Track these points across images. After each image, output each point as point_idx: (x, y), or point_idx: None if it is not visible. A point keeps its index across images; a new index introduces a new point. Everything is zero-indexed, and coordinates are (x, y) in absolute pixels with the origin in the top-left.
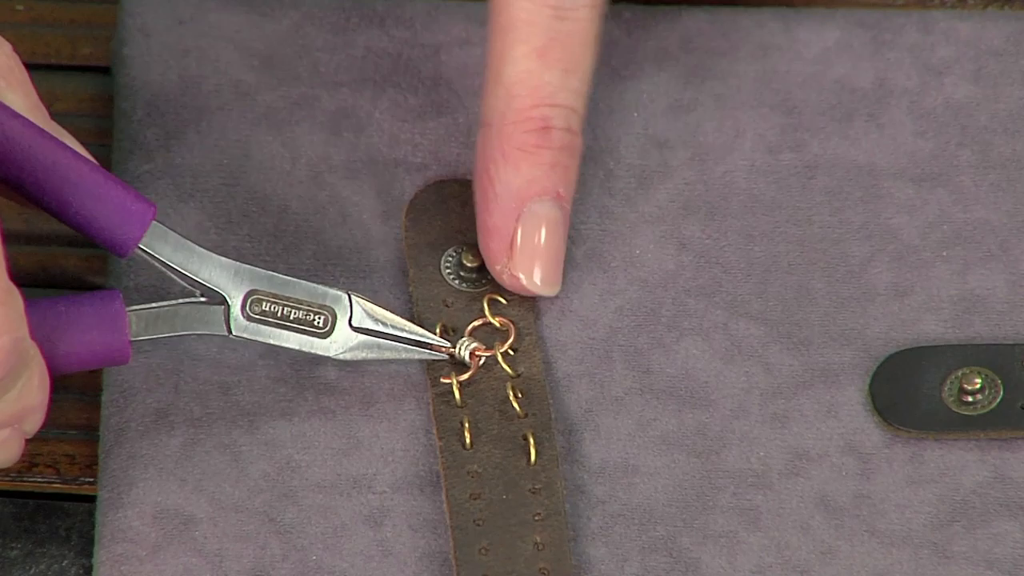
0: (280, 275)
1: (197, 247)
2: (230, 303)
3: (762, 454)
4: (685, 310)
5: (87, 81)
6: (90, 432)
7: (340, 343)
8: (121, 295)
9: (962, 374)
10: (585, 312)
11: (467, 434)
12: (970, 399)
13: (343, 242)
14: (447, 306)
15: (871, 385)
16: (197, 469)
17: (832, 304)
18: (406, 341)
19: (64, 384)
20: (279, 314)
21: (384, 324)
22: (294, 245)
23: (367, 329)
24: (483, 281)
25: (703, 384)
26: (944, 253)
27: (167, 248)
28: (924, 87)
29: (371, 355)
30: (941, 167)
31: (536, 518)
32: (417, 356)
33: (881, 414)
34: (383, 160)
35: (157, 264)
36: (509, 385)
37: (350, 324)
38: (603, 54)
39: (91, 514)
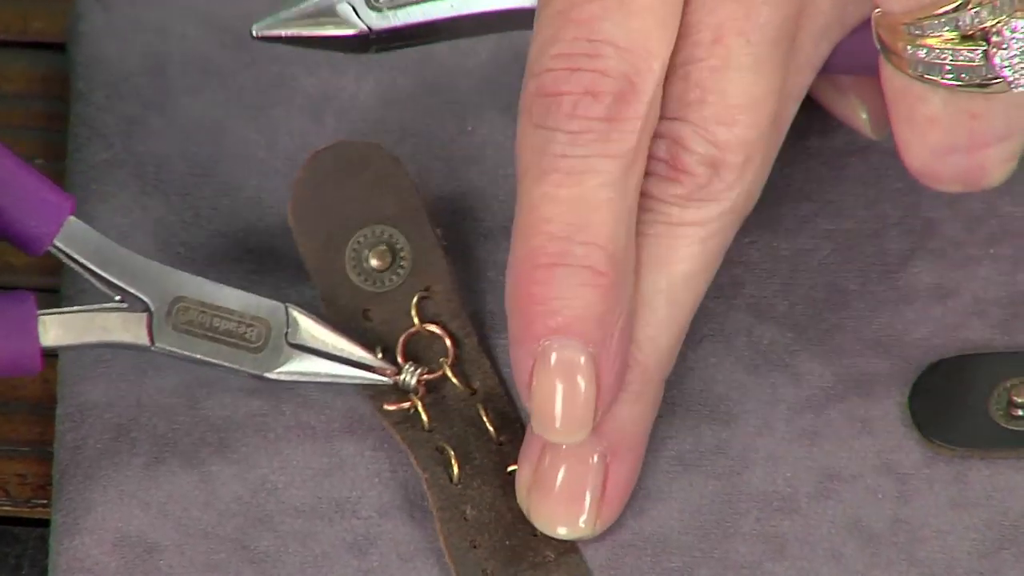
0: (211, 282)
1: (120, 248)
2: (153, 311)
3: (789, 475)
4: (703, 313)
5: (39, 59)
6: (43, 449)
7: (274, 360)
8: (34, 297)
9: (1012, 385)
10: None
11: (454, 464)
12: (1020, 413)
13: None
14: (367, 319)
15: (910, 398)
16: (162, 491)
17: (867, 307)
18: (346, 362)
19: (14, 396)
20: (208, 325)
21: (323, 342)
22: (269, 242)
23: (304, 346)
24: (399, 270)
25: (723, 397)
26: (991, 250)
27: (86, 247)
28: None
29: (308, 377)
30: None
31: (547, 561)
32: (358, 381)
33: (921, 430)
34: None
35: (74, 265)
36: (479, 406)
37: (286, 339)
38: None
39: (44, 540)
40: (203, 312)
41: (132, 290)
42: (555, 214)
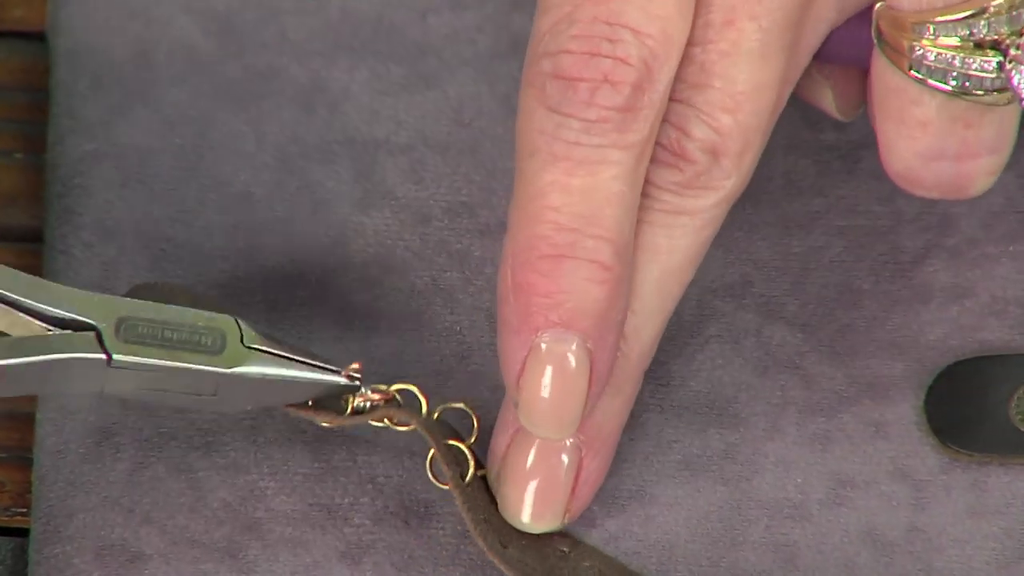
0: (152, 303)
1: (39, 280)
2: (100, 330)
3: (800, 481)
4: (711, 313)
5: (19, 48)
6: (23, 455)
7: (236, 360)
8: None
9: None
10: None
11: (470, 462)
12: None
13: (315, 235)
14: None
15: (926, 401)
16: (147, 498)
17: (880, 306)
18: (304, 363)
19: None
20: (159, 336)
21: (277, 345)
22: (258, 239)
23: (260, 348)
24: None
25: (731, 399)
26: (1011, 248)
27: (14, 285)
28: None
29: (268, 370)
30: None
31: (566, 554)
32: (318, 376)
33: (937, 435)
34: (361, 140)
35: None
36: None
37: (242, 343)
38: None
39: (24, 550)
40: (152, 326)
41: (72, 315)
42: (564, 204)
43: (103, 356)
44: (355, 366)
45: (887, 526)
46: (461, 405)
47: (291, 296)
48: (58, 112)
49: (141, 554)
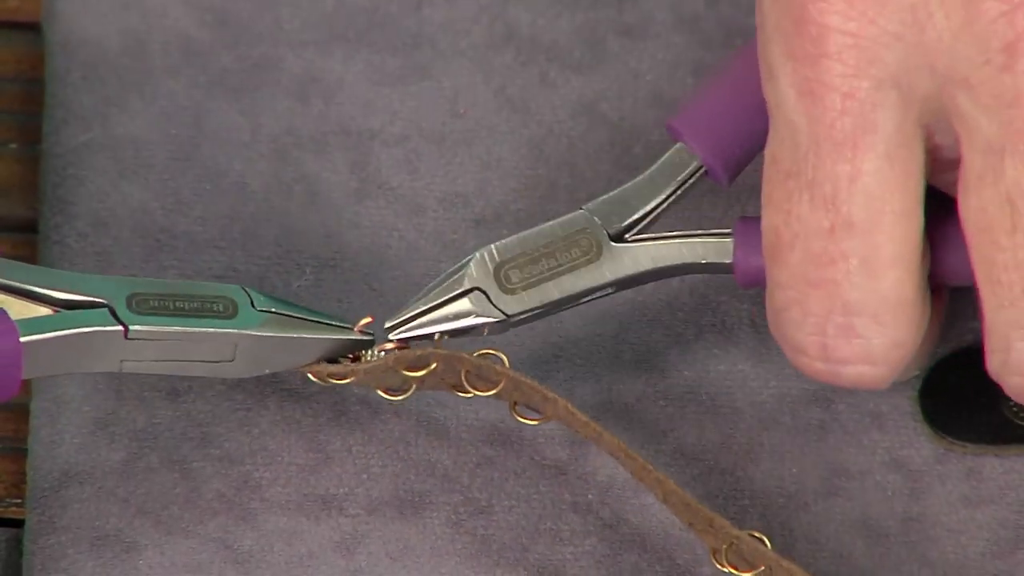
0: (158, 279)
1: (48, 269)
2: (112, 305)
3: (795, 471)
4: (705, 302)
5: (14, 39)
6: (17, 445)
7: (248, 321)
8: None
9: None
10: (590, 304)
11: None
12: None
13: (310, 225)
14: None
15: (921, 392)
16: (141, 488)
17: None
18: (316, 322)
19: None
20: (172, 307)
21: (288, 308)
22: (253, 229)
23: (272, 311)
24: None
25: (727, 389)
26: None
27: (25, 275)
28: None
29: (283, 332)
30: None
31: None
32: (333, 334)
33: (932, 425)
34: (356, 131)
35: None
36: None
37: (252, 306)
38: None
39: (19, 541)
40: (162, 299)
41: (82, 296)
42: None
43: (120, 328)
44: (367, 320)
45: (882, 516)
46: (487, 350)
47: (287, 286)
48: (53, 103)
49: (136, 544)
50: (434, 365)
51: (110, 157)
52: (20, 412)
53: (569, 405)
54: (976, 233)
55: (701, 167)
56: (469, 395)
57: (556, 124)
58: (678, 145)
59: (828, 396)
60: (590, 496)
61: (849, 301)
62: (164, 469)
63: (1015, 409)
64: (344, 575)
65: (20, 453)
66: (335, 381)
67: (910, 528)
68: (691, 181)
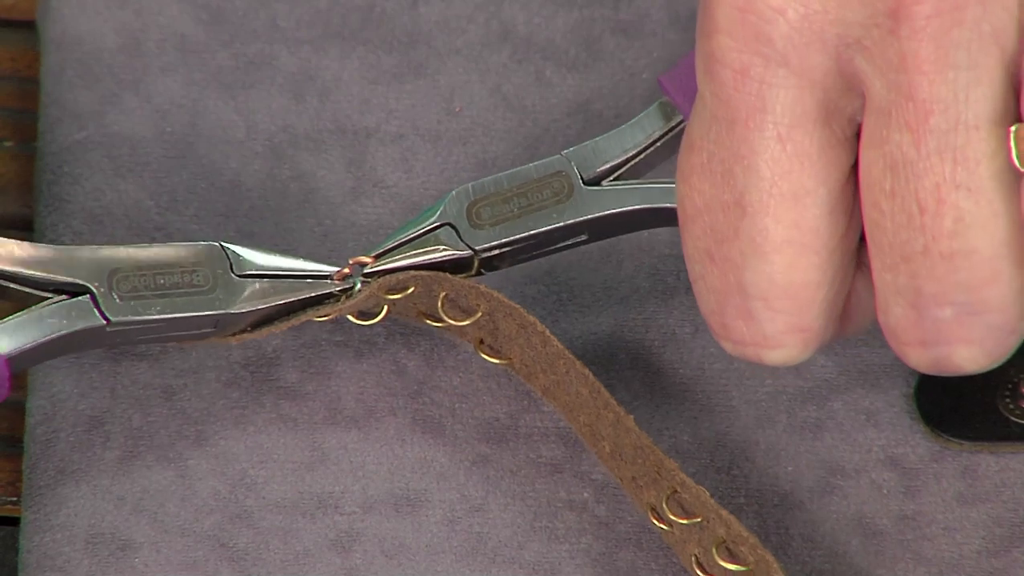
0: (136, 245)
1: (27, 243)
2: (93, 291)
3: (791, 469)
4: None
5: (9, 36)
6: (12, 444)
7: (230, 296)
8: None
9: (1021, 378)
10: (586, 302)
11: None
12: None
13: (306, 224)
14: None
15: (916, 389)
16: (137, 486)
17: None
18: (296, 277)
19: None
20: (152, 285)
21: (267, 266)
22: (248, 228)
23: (252, 274)
24: None
25: (722, 387)
26: None
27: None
28: None
29: (262, 302)
30: None
31: None
32: (313, 292)
33: (927, 423)
34: (352, 129)
35: None
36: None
37: (232, 272)
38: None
39: (14, 538)
40: (143, 275)
41: (64, 279)
42: None
43: (102, 322)
44: (345, 271)
45: (877, 514)
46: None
47: None
48: (48, 100)
49: (131, 542)
50: (411, 289)
51: (105, 155)
52: (16, 410)
53: (547, 331)
54: (864, 193)
55: (682, 121)
56: (440, 324)
57: (552, 123)
58: (663, 99)
59: (824, 394)
60: (586, 494)
61: (743, 282)
62: (159, 467)
63: (1011, 407)
64: (340, 573)
65: (16, 451)
66: (318, 319)
67: (905, 526)
68: (671, 134)
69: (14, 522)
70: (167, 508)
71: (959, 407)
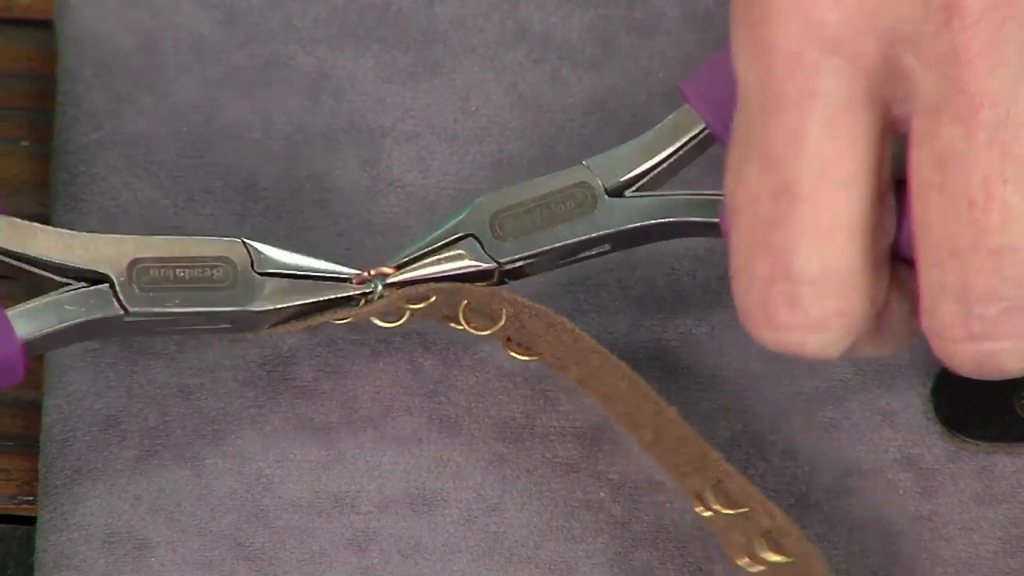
0: (159, 236)
1: (54, 229)
2: (113, 280)
3: (807, 469)
4: (718, 300)
5: (25, 36)
6: (29, 444)
7: (250, 294)
8: None
9: None
10: (602, 302)
11: None
12: None
13: (321, 224)
14: None
15: (933, 390)
16: (153, 485)
17: None
18: (316, 278)
19: None
20: (172, 277)
21: (289, 264)
22: (264, 227)
23: (274, 273)
24: None
25: (739, 388)
26: None
27: (20, 239)
28: None
29: (281, 302)
30: None
31: None
32: (332, 294)
33: (944, 423)
34: (368, 128)
35: (13, 261)
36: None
37: (254, 270)
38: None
39: (30, 538)
40: (163, 267)
41: (85, 266)
42: None
43: (120, 312)
44: (365, 275)
45: (894, 514)
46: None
47: None
48: (65, 100)
49: (148, 542)
50: (433, 299)
51: (121, 154)
52: (32, 409)
53: (576, 328)
54: (914, 192)
55: (704, 129)
56: (461, 328)
57: (567, 122)
58: (684, 107)
59: (840, 395)
60: (602, 494)
61: (791, 268)
62: (176, 466)
63: None
64: (356, 572)
65: (32, 450)
66: (337, 321)
67: (922, 526)
68: (693, 143)
69: (30, 521)
70: (183, 507)
71: (975, 408)
